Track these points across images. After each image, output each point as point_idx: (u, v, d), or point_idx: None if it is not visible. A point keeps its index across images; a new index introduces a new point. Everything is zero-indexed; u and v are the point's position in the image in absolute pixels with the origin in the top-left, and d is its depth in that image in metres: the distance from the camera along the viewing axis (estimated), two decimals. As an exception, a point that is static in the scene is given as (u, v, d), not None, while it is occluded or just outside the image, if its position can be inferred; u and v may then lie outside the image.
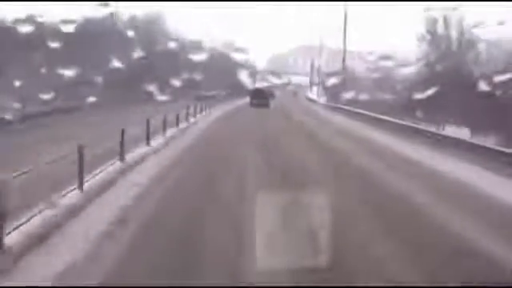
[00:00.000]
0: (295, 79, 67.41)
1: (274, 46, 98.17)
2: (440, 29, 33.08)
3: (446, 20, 32.33)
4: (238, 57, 54.59)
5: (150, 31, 41.38)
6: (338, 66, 55.79)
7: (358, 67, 53.53)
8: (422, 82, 30.44)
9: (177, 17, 76.01)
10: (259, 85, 55.36)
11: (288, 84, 65.79)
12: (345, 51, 40.61)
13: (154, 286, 5.70)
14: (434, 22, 32.96)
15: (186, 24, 75.90)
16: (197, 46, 41.91)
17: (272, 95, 45.91)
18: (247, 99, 44.88)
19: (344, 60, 40.79)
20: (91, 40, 30.15)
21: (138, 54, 31.89)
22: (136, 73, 31.85)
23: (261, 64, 69.50)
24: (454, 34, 32.44)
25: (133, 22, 40.65)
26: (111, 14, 36.80)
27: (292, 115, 36.24)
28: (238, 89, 51.02)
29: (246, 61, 55.53)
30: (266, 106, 40.26)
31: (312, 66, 66.29)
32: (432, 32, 33.30)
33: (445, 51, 32.42)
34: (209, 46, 44.80)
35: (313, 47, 74.31)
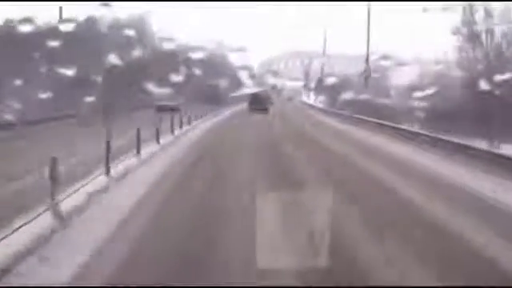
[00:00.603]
0: (287, 83, 66.84)
1: (263, 51, 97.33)
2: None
3: (487, 11, 27.57)
4: (233, 58, 53.39)
5: (131, 34, 40.02)
6: (334, 69, 55.66)
7: (353, 69, 53.44)
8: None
9: (165, 18, 74.97)
10: (253, 90, 54.75)
11: (281, 90, 64.90)
12: (368, 49, 37.67)
13: (155, 286, 5.42)
14: (472, 12, 28.13)
15: (175, 25, 74.80)
16: (185, 50, 40.89)
17: (270, 100, 45.00)
18: (234, 110, 40.90)
19: (367, 58, 37.68)
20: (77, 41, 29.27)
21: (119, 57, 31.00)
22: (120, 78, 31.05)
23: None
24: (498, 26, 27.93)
25: (115, 25, 39.49)
26: (90, 18, 35.80)
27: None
28: (217, 97, 43.85)
29: (242, 62, 54.61)
30: (265, 111, 39.89)
31: (307, 69, 65.77)
32: (471, 22, 28.72)
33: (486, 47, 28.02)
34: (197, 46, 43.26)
35: (302, 52, 74.08)
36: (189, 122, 28.48)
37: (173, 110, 31.34)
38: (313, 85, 62.99)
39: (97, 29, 36.11)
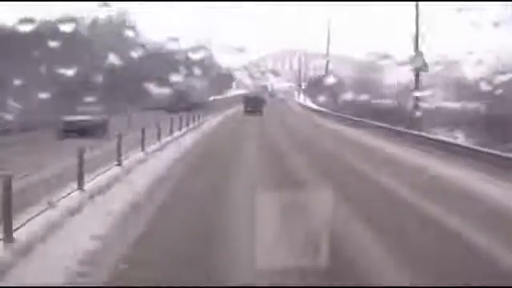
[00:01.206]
0: (276, 84, 66.43)
1: (252, 51, 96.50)
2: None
3: None
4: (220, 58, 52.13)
5: (113, 36, 38.21)
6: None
7: (344, 71, 53.18)
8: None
9: (149, 19, 73.76)
10: (241, 91, 54.20)
11: (273, 91, 64.13)
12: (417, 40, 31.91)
13: (155, 286, 5.29)
14: None
15: (158, 25, 73.72)
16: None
17: (264, 102, 44.95)
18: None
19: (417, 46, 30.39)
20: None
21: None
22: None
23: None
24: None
25: (94, 27, 38.02)
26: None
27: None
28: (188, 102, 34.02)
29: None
30: (260, 112, 40.52)
31: (300, 69, 65.24)
32: None
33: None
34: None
35: (289, 51, 73.92)
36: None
37: (93, 130, 20.05)
38: (303, 85, 62.46)
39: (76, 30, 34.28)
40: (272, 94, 61.87)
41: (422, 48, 32.10)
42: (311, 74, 63.97)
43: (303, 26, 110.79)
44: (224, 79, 58.08)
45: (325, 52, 56.51)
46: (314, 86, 55.03)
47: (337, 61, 62.45)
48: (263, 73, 68.73)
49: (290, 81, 68.63)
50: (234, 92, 61.66)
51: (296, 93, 65.44)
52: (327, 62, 48.18)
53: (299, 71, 65.28)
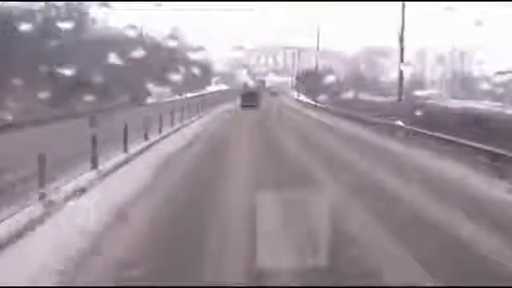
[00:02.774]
0: (268, 79, 65.96)
1: (229, 47, 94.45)
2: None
3: None
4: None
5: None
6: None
7: (336, 67, 52.86)
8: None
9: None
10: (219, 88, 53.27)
11: (266, 86, 63.33)
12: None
13: (154, 285, 5.32)
14: None
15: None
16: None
17: (260, 97, 45.44)
18: None
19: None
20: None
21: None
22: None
23: (218, 65, 66.34)
24: None
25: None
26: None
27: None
28: None
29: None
30: (256, 106, 41.34)
31: (294, 63, 64.55)
32: None
33: None
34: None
35: (282, 46, 73.23)
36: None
37: None
38: (295, 80, 62.02)
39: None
40: (265, 89, 61.67)
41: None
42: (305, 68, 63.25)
43: (295, 22, 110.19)
44: (202, 73, 52.90)
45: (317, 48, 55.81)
46: (306, 80, 54.71)
47: (328, 56, 62.17)
48: (253, 67, 68.01)
49: (282, 75, 68.44)
50: (213, 88, 59.86)
51: (288, 87, 65.33)
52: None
53: (293, 65, 65.19)
